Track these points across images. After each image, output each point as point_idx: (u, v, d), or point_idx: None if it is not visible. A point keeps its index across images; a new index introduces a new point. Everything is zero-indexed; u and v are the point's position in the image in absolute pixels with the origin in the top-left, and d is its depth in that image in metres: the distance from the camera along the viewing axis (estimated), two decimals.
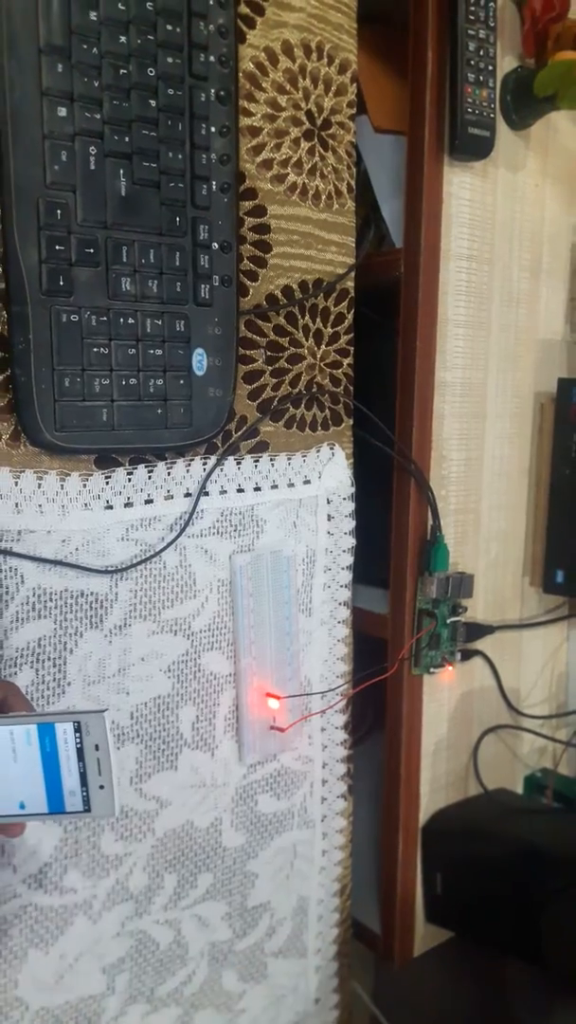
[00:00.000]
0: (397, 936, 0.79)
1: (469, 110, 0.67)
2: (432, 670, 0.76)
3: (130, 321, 0.55)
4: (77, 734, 0.46)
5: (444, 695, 0.79)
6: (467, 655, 0.80)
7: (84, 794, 0.48)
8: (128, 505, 0.59)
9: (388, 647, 0.76)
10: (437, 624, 0.74)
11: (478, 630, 0.79)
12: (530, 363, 0.80)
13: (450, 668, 0.77)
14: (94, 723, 0.46)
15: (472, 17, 0.65)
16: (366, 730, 0.98)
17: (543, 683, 0.89)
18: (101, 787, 0.47)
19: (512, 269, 0.77)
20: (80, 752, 0.47)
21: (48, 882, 0.59)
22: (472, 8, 0.65)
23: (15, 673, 0.55)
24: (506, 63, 0.72)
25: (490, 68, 0.68)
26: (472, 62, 0.66)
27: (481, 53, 0.67)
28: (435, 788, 0.80)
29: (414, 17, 0.68)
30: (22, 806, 0.47)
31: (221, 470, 0.63)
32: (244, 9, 0.60)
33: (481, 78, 0.67)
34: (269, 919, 0.73)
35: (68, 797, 0.48)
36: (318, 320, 0.67)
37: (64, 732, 0.46)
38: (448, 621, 0.75)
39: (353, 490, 0.71)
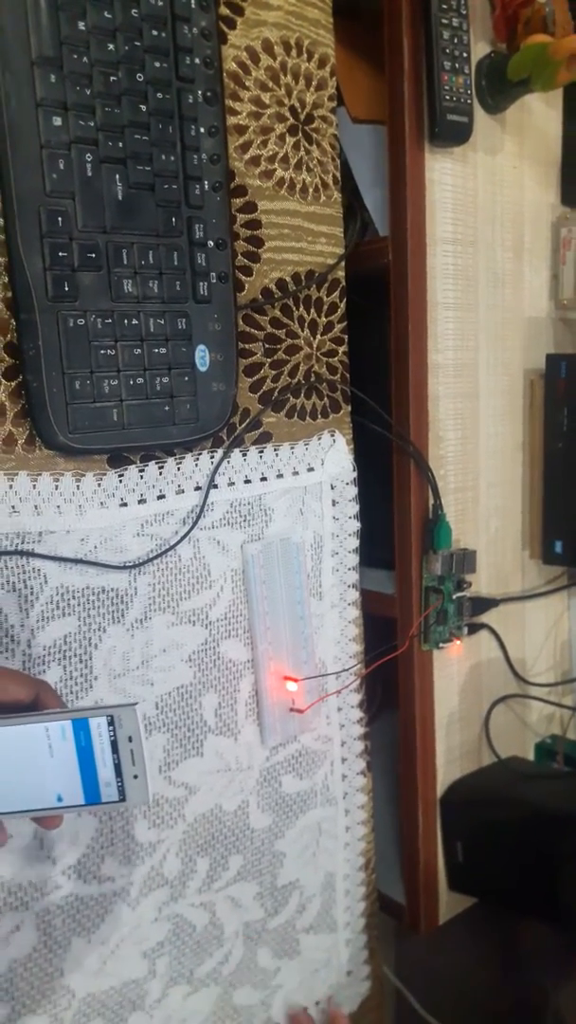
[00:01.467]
0: (422, 905, 0.82)
1: (447, 97, 0.68)
2: (441, 645, 0.78)
3: (134, 322, 0.57)
4: (110, 727, 0.48)
5: (453, 669, 0.82)
6: (473, 628, 0.82)
7: (119, 784, 0.49)
8: (142, 501, 0.60)
9: (397, 625, 0.78)
10: (444, 600, 0.77)
11: (483, 604, 0.82)
12: (518, 341, 0.83)
13: (458, 642, 0.79)
14: (126, 716, 0.48)
15: (445, 6, 0.67)
16: (376, 707, 1.00)
17: (547, 652, 0.91)
18: (135, 777, 0.49)
19: (496, 250, 0.79)
20: (114, 744, 0.48)
21: (87, 872, 0.60)
22: None
23: (44, 671, 0.57)
24: (479, 49, 0.74)
25: (465, 55, 0.69)
26: (447, 50, 0.68)
27: (455, 41, 0.68)
28: (450, 760, 0.83)
29: (388, 9, 0.69)
30: (60, 799, 0.49)
31: (228, 462, 0.65)
32: (224, 10, 0.61)
33: (456, 65, 0.69)
34: (299, 896, 0.75)
35: (104, 788, 0.49)
36: (312, 311, 0.69)
37: (98, 726, 0.48)
38: (454, 597, 0.78)
39: (355, 475, 0.73)
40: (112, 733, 0.48)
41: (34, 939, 0.59)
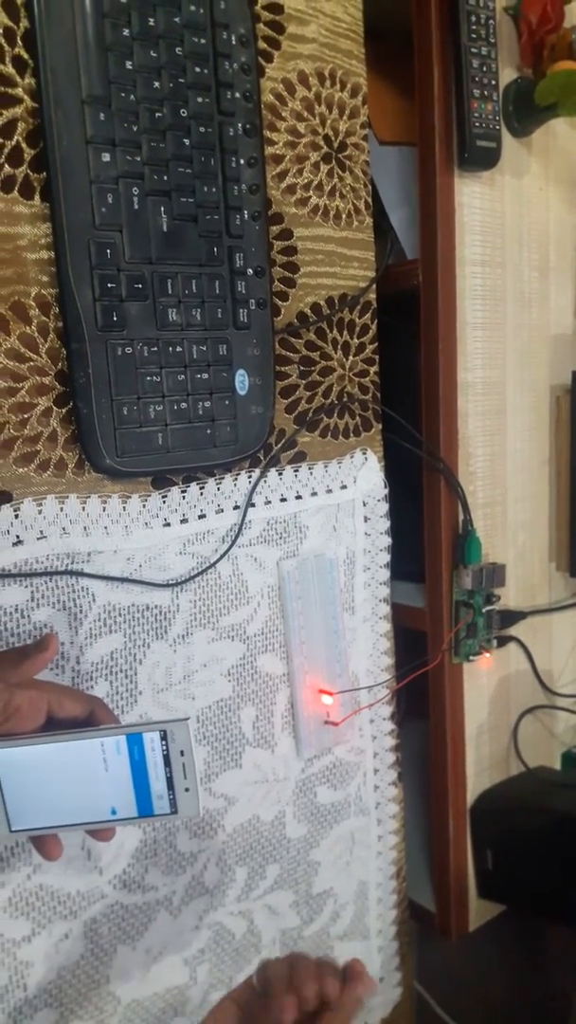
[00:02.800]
0: (453, 912, 0.83)
1: (476, 124, 0.70)
2: (471, 658, 0.80)
3: (178, 349, 0.58)
4: (163, 742, 0.50)
5: (483, 681, 0.83)
6: (502, 641, 0.83)
7: (171, 797, 0.51)
8: (184, 521, 0.62)
9: (428, 639, 0.80)
10: (473, 614, 0.78)
11: (511, 617, 0.83)
12: (544, 358, 0.84)
13: (487, 655, 0.81)
14: (179, 731, 0.50)
15: (474, 35, 0.69)
16: (402, 715, 1.01)
17: (574, 663, 0.92)
18: (186, 790, 0.51)
19: (523, 270, 0.80)
20: (166, 758, 0.50)
21: (131, 881, 0.62)
22: (474, 27, 0.68)
23: (92, 686, 0.58)
24: (505, 74, 0.76)
25: (493, 83, 0.71)
26: (476, 78, 0.70)
27: (484, 69, 0.70)
28: (479, 770, 0.84)
29: (418, 37, 0.71)
30: (114, 812, 0.51)
31: (265, 482, 0.67)
32: (262, 44, 0.63)
33: (486, 92, 0.70)
34: (333, 904, 0.77)
35: (156, 801, 0.51)
36: (345, 333, 0.71)
37: (151, 740, 0.50)
38: (483, 610, 0.79)
39: (386, 491, 0.75)
40: (165, 747, 0.50)
41: (82, 947, 0.60)
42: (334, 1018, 0.54)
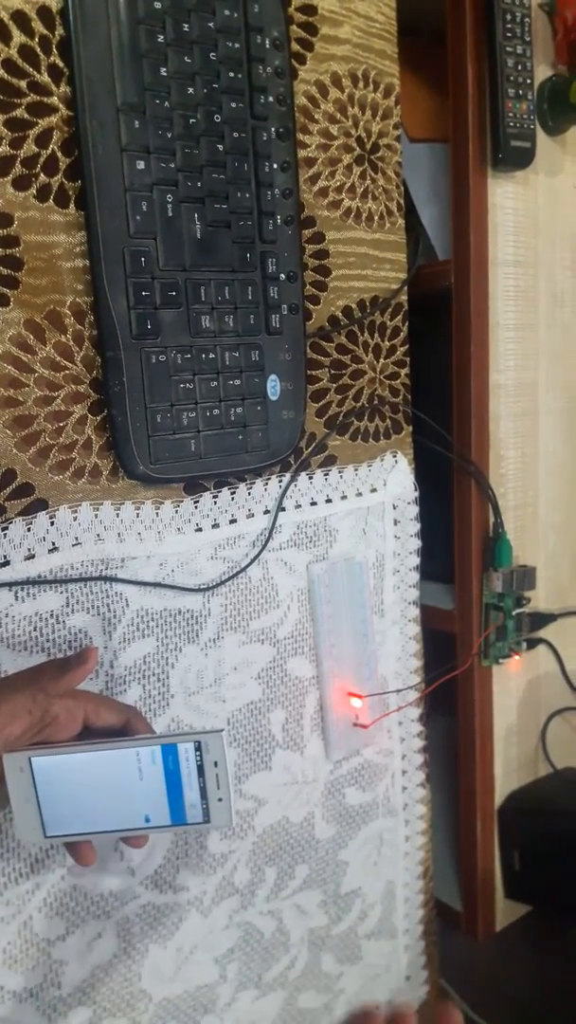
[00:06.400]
0: (480, 913, 0.84)
1: (511, 124, 0.69)
2: (500, 661, 0.80)
3: (211, 356, 0.59)
4: (197, 752, 0.50)
5: (512, 684, 0.83)
6: (532, 643, 0.83)
7: (204, 806, 0.51)
8: (215, 526, 0.62)
9: (457, 641, 0.80)
10: (504, 617, 0.78)
11: (541, 619, 0.83)
12: None
13: (517, 657, 0.81)
14: (213, 742, 0.50)
15: (509, 34, 0.68)
16: (426, 715, 1.02)
17: None
18: (219, 800, 0.51)
19: (555, 270, 0.79)
20: (200, 768, 0.51)
21: (163, 882, 0.63)
22: (509, 25, 0.68)
23: (125, 690, 0.59)
24: (540, 72, 0.75)
25: (528, 81, 0.70)
26: (511, 77, 0.69)
27: (519, 68, 0.69)
28: (508, 771, 0.84)
29: (452, 36, 0.70)
30: (147, 819, 0.51)
31: (295, 486, 0.67)
32: (295, 47, 0.62)
33: (520, 92, 0.69)
34: (361, 904, 0.77)
35: (189, 810, 0.51)
36: (376, 335, 0.71)
37: (186, 751, 0.50)
38: (513, 613, 0.79)
39: (417, 494, 0.74)
40: (199, 758, 0.50)
41: (114, 946, 0.61)
42: None
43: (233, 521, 0.63)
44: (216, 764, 0.50)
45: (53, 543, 0.54)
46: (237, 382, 0.60)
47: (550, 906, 0.86)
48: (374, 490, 0.72)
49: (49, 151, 0.52)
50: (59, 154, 0.52)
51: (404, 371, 0.73)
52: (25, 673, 0.48)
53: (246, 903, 0.68)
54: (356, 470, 0.70)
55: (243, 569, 0.64)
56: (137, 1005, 0.64)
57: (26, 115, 0.50)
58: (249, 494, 0.64)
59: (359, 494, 0.71)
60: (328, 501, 0.69)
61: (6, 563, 0.53)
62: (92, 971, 0.60)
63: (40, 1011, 0.58)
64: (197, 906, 0.65)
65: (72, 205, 0.53)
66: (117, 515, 0.57)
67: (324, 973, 0.76)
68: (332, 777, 0.73)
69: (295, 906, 0.72)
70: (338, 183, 0.66)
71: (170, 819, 0.51)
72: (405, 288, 0.72)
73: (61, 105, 0.52)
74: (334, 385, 0.68)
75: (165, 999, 0.65)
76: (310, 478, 0.68)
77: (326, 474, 0.69)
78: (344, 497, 0.70)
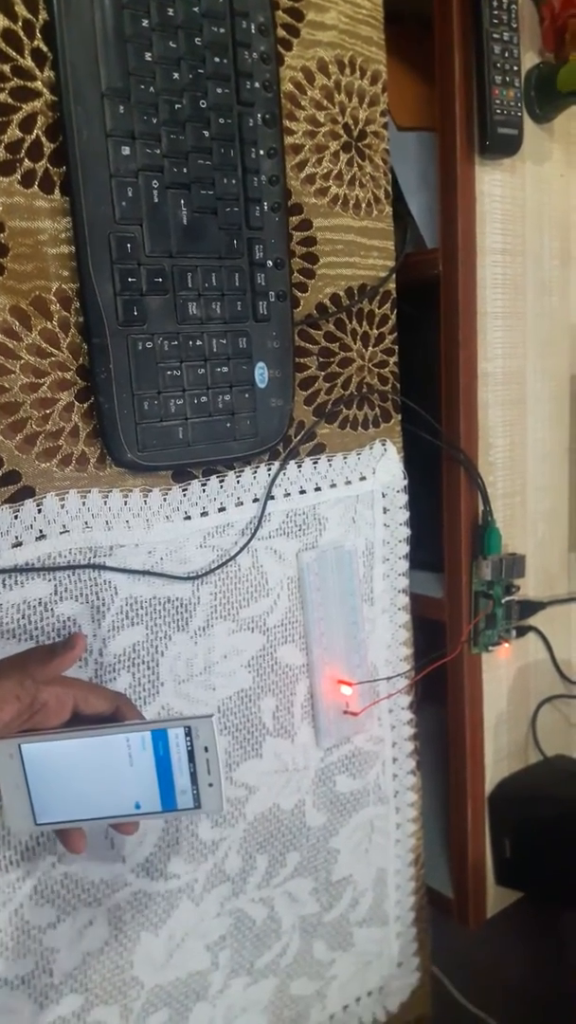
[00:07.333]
0: (471, 900, 0.84)
1: (498, 111, 0.69)
2: (490, 648, 0.80)
3: (198, 343, 0.58)
4: (188, 738, 0.50)
5: (501, 671, 0.83)
6: (521, 631, 0.83)
7: (195, 792, 0.52)
8: (204, 514, 0.62)
9: (446, 629, 0.80)
10: (493, 605, 0.78)
11: (530, 607, 0.83)
12: (565, 347, 0.83)
13: (506, 645, 0.81)
14: (203, 727, 0.50)
15: (496, 21, 0.68)
16: (417, 702, 1.02)
17: None
18: (210, 785, 0.52)
19: (543, 258, 0.80)
20: (191, 754, 0.51)
21: (154, 870, 0.63)
22: (495, 12, 0.67)
23: (114, 678, 0.59)
24: (527, 59, 0.75)
25: (515, 68, 0.70)
26: (498, 64, 0.69)
27: (506, 55, 0.69)
28: (498, 759, 0.84)
29: (439, 23, 0.70)
30: (138, 806, 0.51)
31: (284, 474, 0.67)
32: (281, 32, 0.62)
33: (507, 79, 0.69)
34: (352, 891, 0.77)
35: (180, 796, 0.52)
36: (364, 323, 0.70)
37: (176, 736, 0.50)
38: (503, 601, 0.79)
39: (405, 483, 0.74)
40: (189, 743, 0.50)
41: (106, 933, 0.61)
42: None
43: (222, 509, 0.63)
44: (206, 749, 0.50)
45: (40, 531, 0.54)
46: (225, 369, 0.60)
47: (541, 892, 0.86)
48: (363, 478, 0.72)
49: (33, 136, 0.51)
50: (44, 139, 0.52)
51: (393, 359, 0.73)
52: (12, 659, 0.48)
53: (237, 890, 0.69)
54: (345, 458, 0.70)
55: (232, 557, 0.64)
56: (129, 992, 0.64)
57: (10, 100, 0.50)
58: (238, 482, 0.64)
59: (348, 482, 0.71)
60: (317, 489, 0.69)
61: None
62: (83, 958, 0.61)
63: (32, 998, 0.58)
64: (188, 894, 0.65)
65: (57, 191, 0.53)
66: (105, 503, 0.57)
67: (316, 960, 0.76)
68: (323, 764, 0.73)
69: (286, 893, 0.72)
70: (325, 170, 0.66)
71: (161, 805, 0.51)
72: (393, 276, 0.72)
73: (45, 90, 0.51)
74: (322, 373, 0.68)
75: (157, 986, 0.65)
76: (299, 466, 0.68)
77: (315, 462, 0.69)
78: (333, 485, 0.70)
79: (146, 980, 0.64)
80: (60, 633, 0.56)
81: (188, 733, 0.50)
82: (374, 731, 0.76)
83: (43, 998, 0.59)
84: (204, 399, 0.59)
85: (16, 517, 0.53)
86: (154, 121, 0.55)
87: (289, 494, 0.67)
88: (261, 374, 0.62)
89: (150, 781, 0.51)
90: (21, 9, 0.50)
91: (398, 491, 0.74)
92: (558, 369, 0.83)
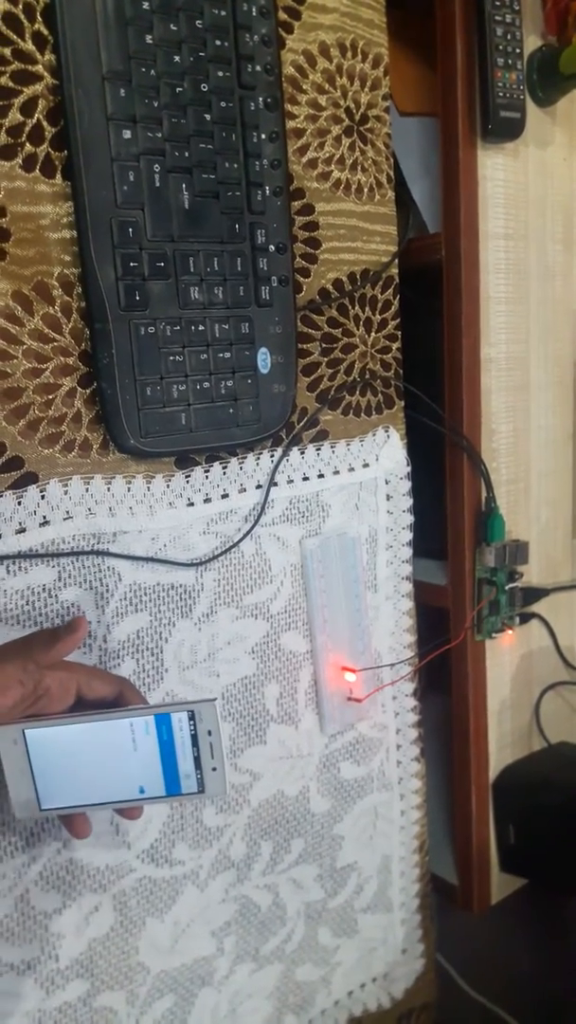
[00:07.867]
0: (476, 886, 0.84)
1: (500, 94, 0.69)
2: (493, 635, 0.80)
3: (200, 328, 0.58)
4: (191, 722, 0.50)
5: (505, 658, 0.83)
6: (525, 618, 0.83)
7: (198, 776, 0.52)
8: (207, 501, 0.62)
9: (450, 616, 0.80)
10: (496, 591, 0.78)
11: (534, 594, 0.83)
12: (568, 333, 0.83)
13: (510, 632, 0.81)
14: (206, 711, 0.50)
15: (498, 3, 0.67)
16: (421, 689, 1.02)
17: None
18: (214, 769, 0.52)
19: (546, 243, 0.79)
20: (194, 738, 0.51)
21: (159, 856, 0.63)
22: None
23: (118, 664, 0.59)
24: (529, 42, 0.74)
25: (517, 51, 0.69)
26: (500, 47, 0.68)
27: (508, 37, 0.69)
28: (502, 746, 0.84)
29: (440, 6, 0.70)
30: (142, 791, 0.51)
31: (287, 461, 0.66)
32: (282, 15, 0.62)
33: (510, 61, 0.69)
34: (357, 878, 0.77)
35: (184, 780, 0.52)
36: (367, 309, 0.70)
37: (179, 721, 0.50)
38: (506, 588, 0.79)
39: (409, 469, 0.74)
40: (193, 727, 0.50)
41: (112, 919, 0.61)
42: None
43: (225, 496, 0.63)
44: (210, 733, 0.50)
45: (44, 517, 0.54)
46: (227, 355, 0.60)
47: (545, 879, 0.86)
48: (366, 465, 0.72)
49: (35, 120, 0.51)
50: (45, 123, 0.51)
51: (395, 345, 0.73)
52: (15, 643, 0.48)
53: (242, 877, 0.69)
54: (348, 445, 0.70)
55: (236, 544, 0.64)
56: (135, 978, 0.64)
57: (11, 83, 0.50)
58: (241, 469, 0.64)
59: (351, 469, 0.71)
60: (320, 476, 0.69)
61: None
62: (89, 944, 0.61)
63: (38, 984, 0.58)
64: (193, 880, 0.66)
65: (59, 175, 0.52)
66: (108, 489, 0.57)
67: (321, 946, 0.76)
68: (327, 751, 0.73)
69: (291, 880, 0.72)
70: (327, 154, 0.66)
71: (165, 790, 0.51)
72: (396, 261, 0.72)
73: (46, 73, 0.51)
74: (325, 359, 0.68)
75: (163, 972, 0.65)
76: (302, 453, 0.67)
77: (318, 449, 0.68)
78: (336, 472, 0.70)
79: (152, 966, 0.65)
80: (64, 619, 0.56)
81: (191, 717, 0.50)
82: (378, 718, 0.76)
83: (49, 984, 0.59)
84: (207, 385, 0.59)
85: (19, 503, 0.53)
86: (155, 104, 0.54)
87: (292, 481, 0.67)
88: (264, 360, 0.62)
89: (154, 765, 0.51)
90: None
91: (401, 478, 0.74)
92: (561, 354, 0.83)
